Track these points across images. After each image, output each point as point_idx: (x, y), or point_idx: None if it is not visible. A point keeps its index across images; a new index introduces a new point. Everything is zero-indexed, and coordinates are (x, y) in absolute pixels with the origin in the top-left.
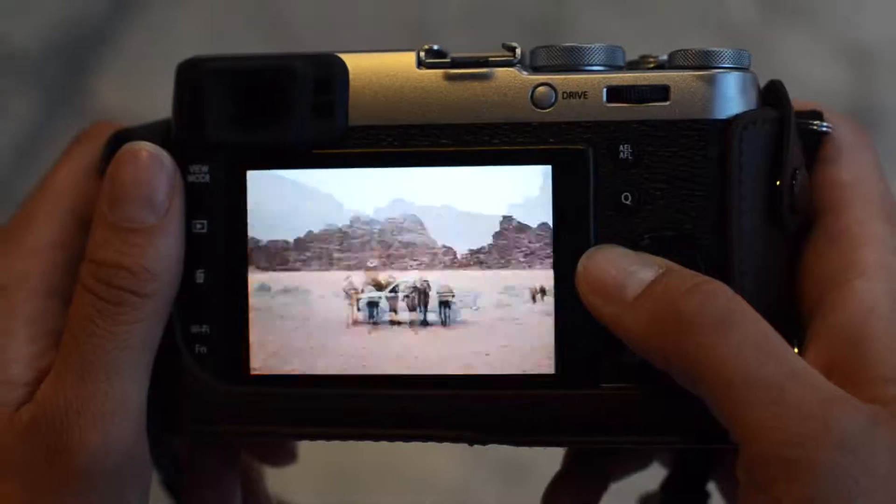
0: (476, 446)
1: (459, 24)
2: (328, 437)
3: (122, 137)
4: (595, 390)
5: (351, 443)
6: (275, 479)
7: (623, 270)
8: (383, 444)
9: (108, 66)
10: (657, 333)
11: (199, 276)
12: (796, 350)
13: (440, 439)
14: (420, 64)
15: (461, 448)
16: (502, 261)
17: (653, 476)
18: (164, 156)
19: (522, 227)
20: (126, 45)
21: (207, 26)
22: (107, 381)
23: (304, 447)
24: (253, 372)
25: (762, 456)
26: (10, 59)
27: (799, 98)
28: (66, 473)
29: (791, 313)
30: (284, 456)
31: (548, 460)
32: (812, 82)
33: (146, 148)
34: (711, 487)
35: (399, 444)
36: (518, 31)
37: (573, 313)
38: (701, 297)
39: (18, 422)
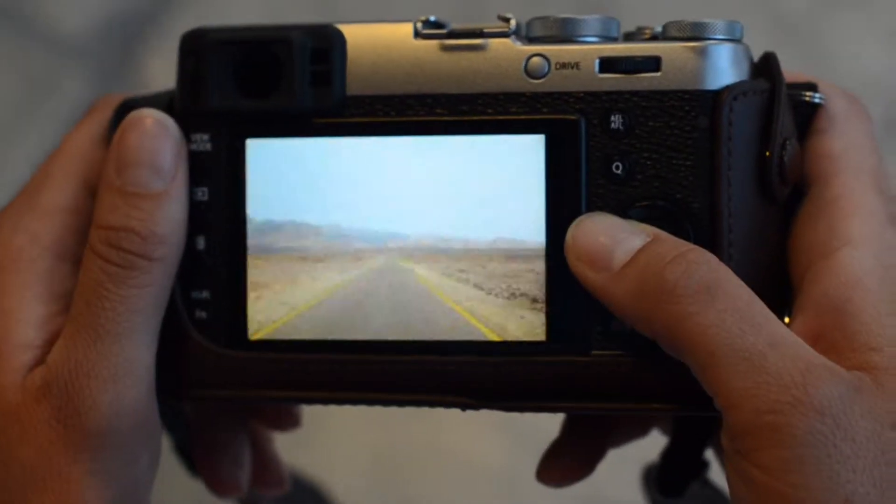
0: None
1: (516, 2)
2: (325, 402)
3: (128, 107)
4: (585, 357)
5: (393, 428)
6: (318, 462)
7: (611, 239)
8: (426, 427)
9: (159, 44)
10: (642, 302)
11: (200, 243)
12: (786, 319)
13: (434, 404)
14: (417, 35)
15: (505, 431)
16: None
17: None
18: (170, 122)
19: (514, 196)
20: (177, 24)
21: (259, 3)
22: (117, 343)
23: (348, 431)
24: (252, 337)
25: (744, 423)
26: (62, 40)
27: (849, 84)
28: (78, 435)
29: (782, 283)
30: (288, 421)
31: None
32: (863, 68)
33: (152, 115)
34: (710, 455)
35: (443, 428)
36: (574, 8)
37: (564, 281)
38: (685, 265)
39: (31, 385)
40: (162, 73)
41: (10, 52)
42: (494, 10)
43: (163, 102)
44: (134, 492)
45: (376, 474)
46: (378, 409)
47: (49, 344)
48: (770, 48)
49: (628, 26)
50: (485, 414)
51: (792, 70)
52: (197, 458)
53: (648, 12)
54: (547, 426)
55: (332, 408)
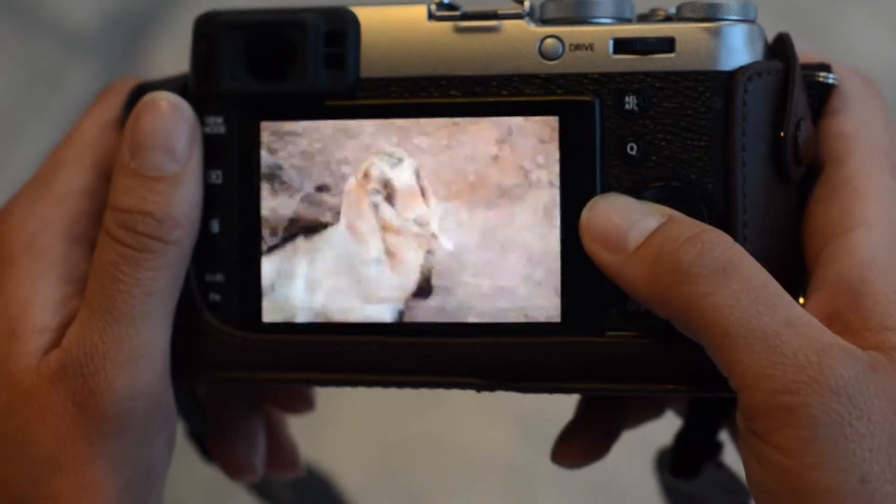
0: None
1: None
2: (339, 384)
3: (142, 91)
4: (601, 338)
5: (404, 419)
6: (328, 453)
7: (625, 219)
8: (436, 418)
9: (167, 34)
10: (657, 283)
11: (214, 226)
12: (801, 300)
13: (448, 386)
14: (431, 16)
15: (515, 424)
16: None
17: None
18: (184, 105)
19: (529, 177)
20: (185, 14)
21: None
22: (132, 326)
23: (359, 422)
24: (266, 319)
25: (759, 404)
26: (69, 33)
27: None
28: (94, 417)
29: (797, 264)
30: (302, 404)
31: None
32: (871, 57)
33: (166, 98)
34: (724, 437)
35: (452, 421)
36: None
37: (579, 262)
38: (700, 245)
39: (46, 368)
40: (170, 64)
41: (17, 45)
42: None
43: (177, 86)
44: (149, 475)
45: (386, 465)
46: (387, 400)
47: (64, 327)
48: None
49: (642, 8)
50: (494, 405)
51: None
52: (211, 442)
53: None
54: (556, 416)
55: (342, 398)
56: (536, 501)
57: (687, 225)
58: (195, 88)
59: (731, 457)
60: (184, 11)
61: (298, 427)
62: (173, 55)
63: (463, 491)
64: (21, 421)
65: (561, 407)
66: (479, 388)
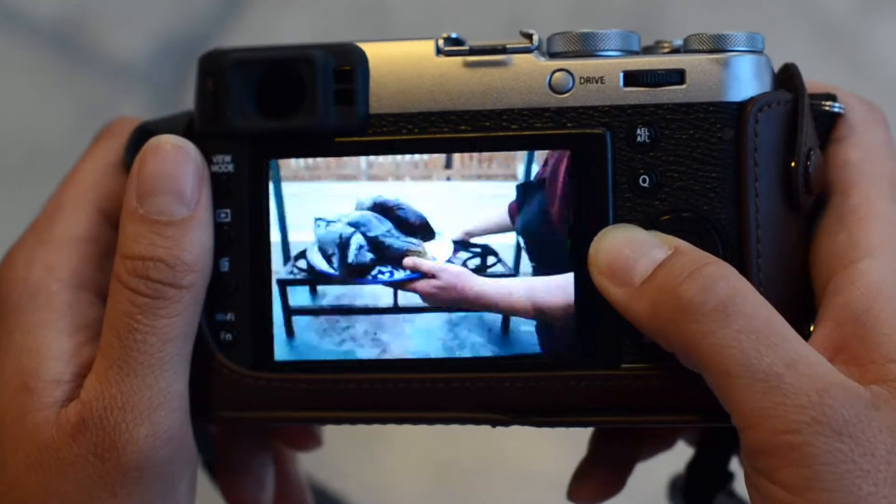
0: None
1: (561, 20)
2: (353, 422)
3: (144, 131)
4: (616, 370)
5: (455, 437)
6: (382, 473)
7: (632, 252)
8: (486, 437)
9: None
10: (660, 319)
11: (224, 265)
12: (812, 328)
13: (464, 421)
14: (439, 52)
15: (562, 439)
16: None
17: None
18: (191, 147)
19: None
20: (231, 44)
21: (313, 26)
22: (151, 375)
23: (411, 441)
24: (278, 358)
25: (762, 443)
26: (118, 66)
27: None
28: (117, 470)
29: (807, 293)
30: (310, 441)
31: (653, 465)
32: None
33: (172, 141)
34: (735, 467)
35: (500, 437)
36: (621, 25)
37: (593, 294)
38: (702, 282)
39: (66, 421)
40: None
41: (67, 80)
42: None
43: (180, 125)
44: None
45: (438, 484)
46: None
47: (79, 377)
48: (813, 55)
49: (671, 35)
50: None
51: (828, 78)
52: (220, 479)
53: (693, 21)
54: None
55: None
56: None
57: (692, 258)
58: (201, 127)
59: (743, 486)
60: (231, 41)
61: (352, 447)
62: None
63: None
64: (43, 476)
65: None
66: (494, 424)
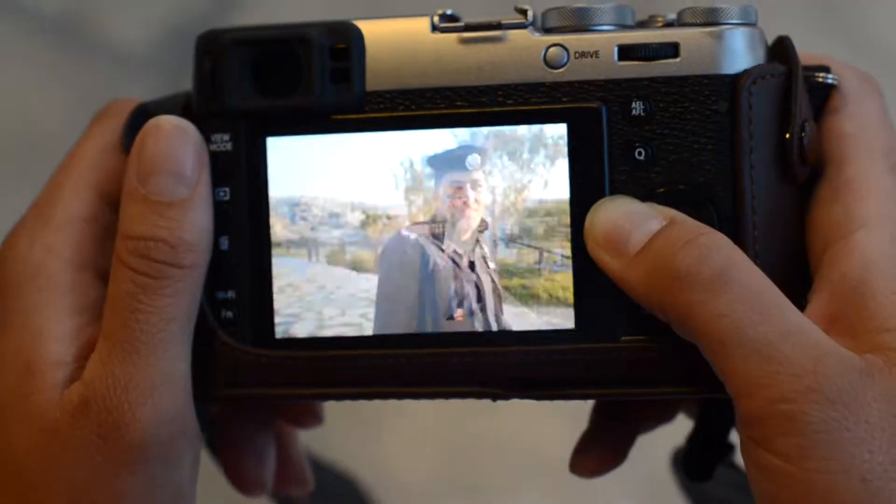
0: None
1: None
2: (354, 397)
3: (143, 112)
4: (614, 343)
5: (461, 419)
6: (387, 454)
7: (628, 223)
8: (491, 420)
9: None
10: (655, 288)
11: (224, 243)
12: (808, 299)
13: (463, 396)
14: (434, 28)
15: (569, 422)
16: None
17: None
18: (190, 128)
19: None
20: None
21: (316, 9)
22: (153, 355)
23: (417, 424)
24: (278, 335)
25: (757, 411)
26: (123, 53)
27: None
28: (121, 450)
29: (803, 263)
30: (312, 419)
31: (659, 435)
32: None
33: (171, 121)
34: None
35: (506, 420)
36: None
37: (591, 268)
38: (697, 251)
39: (68, 402)
40: None
41: (69, 68)
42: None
43: (178, 105)
44: (179, 495)
45: (444, 466)
46: (443, 401)
47: (81, 358)
48: (812, 32)
49: (663, 9)
50: (548, 402)
51: (824, 51)
52: (221, 457)
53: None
54: None
55: (398, 402)
56: (596, 499)
57: (687, 228)
58: (199, 106)
59: None
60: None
61: (355, 424)
62: None
63: (522, 490)
64: (46, 457)
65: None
66: (495, 398)
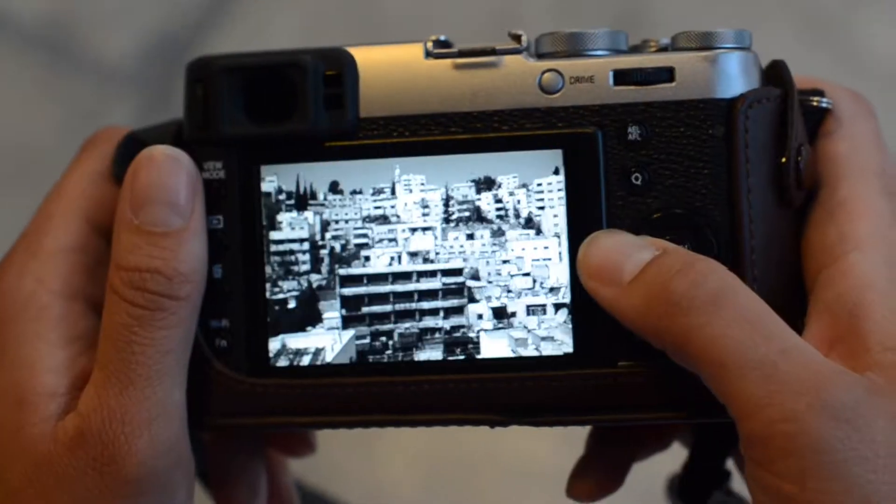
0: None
1: (548, 18)
2: (350, 426)
3: (133, 140)
4: (612, 369)
5: (450, 435)
6: (375, 471)
7: (621, 254)
8: (481, 434)
9: None
10: (651, 315)
11: (217, 272)
12: (804, 322)
13: (462, 423)
14: (428, 55)
15: (558, 436)
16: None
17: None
18: (183, 157)
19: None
20: (221, 44)
21: (302, 26)
22: (150, 387)
23: (407, 442)
24: (273, 364)
25: (759, 432)
26: (108, 68)
27: (882, 77)
28: (116, 482)
29: (800, 289)
30: (304, 447)
31: (655, 461)
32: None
33: (164, 151)
34: (732, 466)
35: (497, 434)
36: (608, 22)
37: (588, 294)
38: (692, 276)
39: (63, 434)
40: None
41: (55, 83)
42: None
43: (169, 133)
44: None
45: (434, 480)
46: None
47: (74, 389)
48: (802, 48)
49: (656, 32)
50: None
51: (817, 71)
52: (213, 486)
53: (681, 18)
54: None
55: None
56: None
57: (680, 256)
58: (191, 134)
59: (740, 484)
60: (221, 42)
61: (348, 444)
62: None
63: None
64: (40, 490)
65: None
66: (492, 424)
